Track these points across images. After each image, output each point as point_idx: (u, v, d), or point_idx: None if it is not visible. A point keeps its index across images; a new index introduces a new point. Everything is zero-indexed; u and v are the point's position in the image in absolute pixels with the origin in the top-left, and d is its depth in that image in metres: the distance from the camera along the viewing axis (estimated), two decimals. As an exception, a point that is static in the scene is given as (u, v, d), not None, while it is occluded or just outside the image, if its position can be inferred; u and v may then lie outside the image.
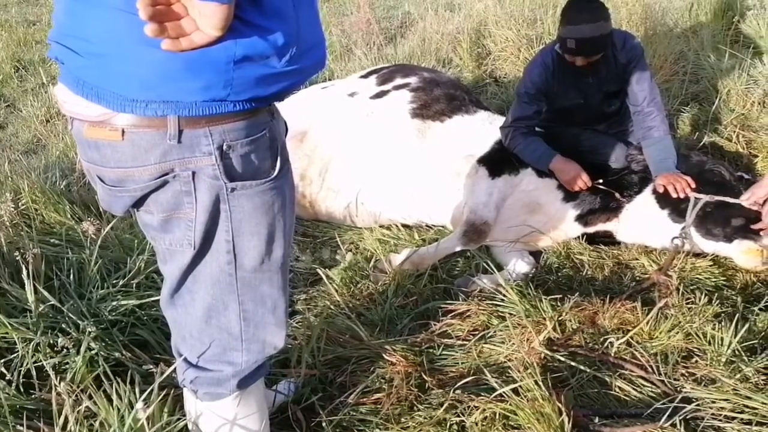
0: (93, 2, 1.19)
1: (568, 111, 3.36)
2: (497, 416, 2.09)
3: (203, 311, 1.53)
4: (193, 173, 1.34)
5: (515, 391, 2.12)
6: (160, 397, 1.82)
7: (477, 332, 2.57)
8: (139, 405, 1.78)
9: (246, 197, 1.40)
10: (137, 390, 1.91)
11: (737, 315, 2.50)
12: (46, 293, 2.36)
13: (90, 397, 1.88)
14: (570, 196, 3.22)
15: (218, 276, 1.48)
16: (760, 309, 2.64)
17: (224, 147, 1.33)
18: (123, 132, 1.29)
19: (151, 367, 2.20)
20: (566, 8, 3.11)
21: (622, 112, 3.47)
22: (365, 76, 4.01)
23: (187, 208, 1.38)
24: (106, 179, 1.39)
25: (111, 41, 1.20)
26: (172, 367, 1.67)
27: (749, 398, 2.10)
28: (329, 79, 4.98)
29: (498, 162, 3.31)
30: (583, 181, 3.11)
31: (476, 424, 2.08)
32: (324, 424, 2.15)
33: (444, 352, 2.48)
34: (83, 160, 1.42)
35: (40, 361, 2.20)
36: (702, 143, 3.99)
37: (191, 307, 1.54)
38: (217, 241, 1.44)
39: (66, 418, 1.78)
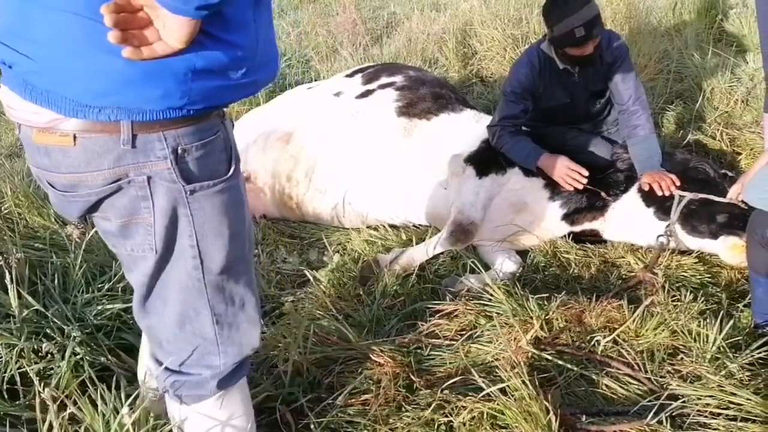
0: (48, 4, 1.16)
1: (554, 110, 3.37)
2: (485, 416, 2.09)
3: (176, 317, 1.52)
4: (149, 177, 1.33)
5: (503, 390, 2.12)
6: (146, 402, 1.81)
7: (464, 332, 2.57)
8: (125, 410, 1.77)
9: (205, 198, 1.39)
10: (123, 395, 1.89)
11: (722, 312, 2.53)
12: (29, 298, 2.34)
13: (75, 403, 1.86)
14: (556, 194, 3.23)
15: (186, 282, 1.48)
16: (744, 306, 2.66)
17: (179, 150, 1.32)
18: (75, 137, 1.28)
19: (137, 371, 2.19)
20: (552, 7, 3.06)
21: (607, 111, 3.49)
22: (350, 75, 4.01)
23: (145, 213, 1.37)
24: (57, 185, 1.37)
25: (66, 46, 1.18)
26: (155, 374, 1.66)
27: (734, 394, 2.11)
28: (315, 80, 4.98)
29: (485, 161, 3.31)
30: (574, 171, 3.07)
31: (464, 425, 2.08)
32: (312, 426, 2.15)
33: (432, 353, 2.48)
34: (32, 166, 1.40)
35: (24, 367, 2.18)
36: (686, 141, 4.02)
37: (164, 314, 1.53)
38: (182, 248, 1.43)
39: (50, 424, 1.77)
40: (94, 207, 1.39)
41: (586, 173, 3.08)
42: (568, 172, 3.08)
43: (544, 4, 3.14)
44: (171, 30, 1.15)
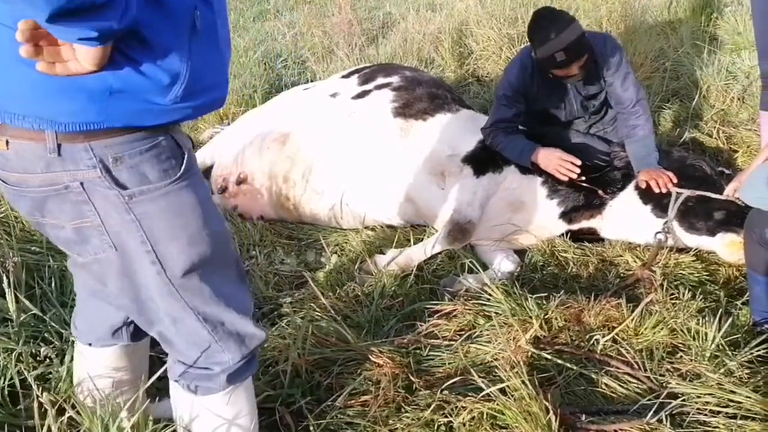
0: None
1: (548, 113, 3.36)
2: (485, 416, 2.09)
3: (169, 319, 1.54)
4: (82, 183, 1.35)
5: (502, 390, 2.12)
6: (145, 405, 1.80)
7: (463, 332, 2.57)
8: (123, 414, 1.77)
9: (150, 202, 1.40)
10: (122, 399, 1.88)
11: (720, 310, 2.53)
12: (27, 302, 2.33)
13: (73, 407, 1.85)
14: (554, 192, 3.23)
15: (156, 287, 1.49)
16: (742, 303, 2.67)
17: (109, 160, 1.33)
18: (7, 142, 1.32)
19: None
20: (535, 29, 3.05)
21: (604, 111, 3.47)
22: (347, 76, 4.01)
23: (90, 216, 1.39)
24: (8, 180, 1.41)
25: None
26: (155, 375, 1.66)
27: (733, 392, 2.12)
28: (311, 81, 4.97)
29: (482, 161, 3.31)
30: (567, 161, 3.06)
31: (464, 425, 2.08)
32: (312, 428, 2.14)
33: (431, 353, 2.48)
34: None
35: (23, 371, 2.17)
36: (683, 139, 4.03)
37: (162, 317, 1.55)
38: (138, 253, 1.44)
39: (49, 428, 1.76)
40: (42, 206, 1.41)
41: (579, 162, 3.06)
42: (561, 162, 3.07)
43: (529, 24, 3.12)
44: (81, 52, 1.18)
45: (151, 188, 1.38)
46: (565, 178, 3.10)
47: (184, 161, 1.43)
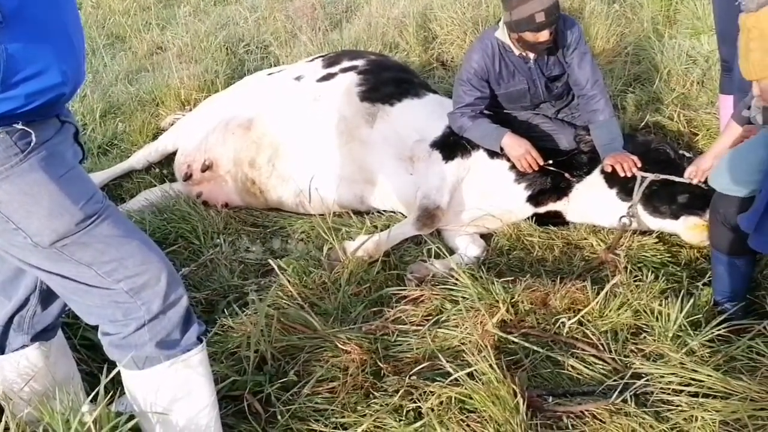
0: None
1: (514, 95, 3.35)
2: (453, 401, 2.10)
3: (72, 286, 1.60)
4: None
5: (470, 375, 2.13)
6: (107, 399, 1.76)
7: (431, 317, 2.57)
8: (85, 408, 1.72)
9: None
10: (82, 393, 1.84)
11: (682, 291, 2.57)
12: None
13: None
14: (521, 176, 3.24)
15: (39, 258, 1.55)
16: (703, 284, 2.71)
17: None
18: None
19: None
20: None
21: (570, 96, 3.46)
22: (311, 61, 3.96)
23: None
24: None
25: None
26: (117, 369, 1.62)
27: (695, 371, 2.16)
28: (274, 65, 4.90)
29: (450, 146, 3.30)
30: (532, 157, 3.11)
31: (432, 410, 2.08)
32: (279, 415, 2.12)
33: (398, 339, 2.48)
34: None
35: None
36: (645, 123, 4.08)
37: (67, 287, 1.60)
38: (9, 232, 1.50)
39: (6, 424, 1.71)
40: None
41: (542, 163, 3.12)
42: (526, 155, 3.11)
43: None
44: None
45: None
46: (524, 170, 3.15)
47: (31, 146, 1.46)
